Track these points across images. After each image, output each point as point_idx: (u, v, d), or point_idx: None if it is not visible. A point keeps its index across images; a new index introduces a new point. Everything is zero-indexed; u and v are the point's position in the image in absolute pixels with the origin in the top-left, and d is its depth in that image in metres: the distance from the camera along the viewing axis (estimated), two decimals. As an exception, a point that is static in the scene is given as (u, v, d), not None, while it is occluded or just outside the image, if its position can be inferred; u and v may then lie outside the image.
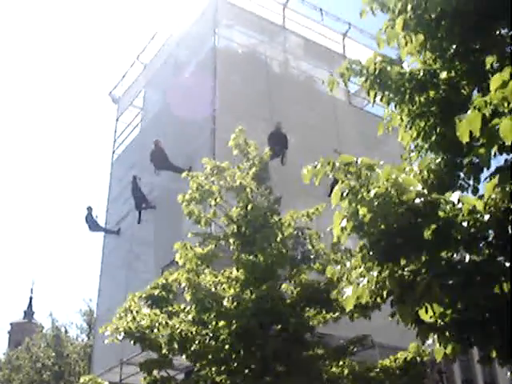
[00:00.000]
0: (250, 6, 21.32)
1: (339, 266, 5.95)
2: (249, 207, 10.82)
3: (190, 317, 10.37)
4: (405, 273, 5.10)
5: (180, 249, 10.82)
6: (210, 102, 17.98)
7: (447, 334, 5.00)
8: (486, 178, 5.28)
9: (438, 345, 5.17)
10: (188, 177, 11.41)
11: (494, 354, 5.14)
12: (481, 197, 5.23)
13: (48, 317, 40.40)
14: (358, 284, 5.34)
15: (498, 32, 6.03)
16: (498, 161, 5.29)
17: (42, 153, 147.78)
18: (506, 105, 4.38)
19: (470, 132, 4.48)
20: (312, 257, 10.85)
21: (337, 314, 10.50)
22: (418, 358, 9.89)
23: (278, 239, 10.67)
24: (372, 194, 5.01)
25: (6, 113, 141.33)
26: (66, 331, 39.78)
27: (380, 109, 6.64)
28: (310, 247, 10.91)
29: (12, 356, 43.21)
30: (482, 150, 4.65)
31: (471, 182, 5.91)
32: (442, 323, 4.95)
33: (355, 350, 10.85)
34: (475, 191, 5.79)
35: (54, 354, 37.43)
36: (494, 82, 4.36)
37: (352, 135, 19.99)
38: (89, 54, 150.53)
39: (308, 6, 23.11)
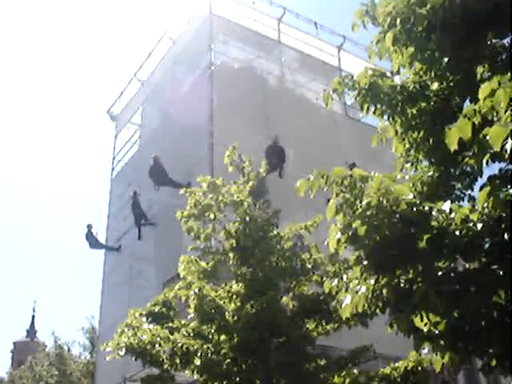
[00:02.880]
0: (245, 22, 21.49)
1: (336, 280, 5.99)
2: (247, 219, 10.88)
3: (191, 328, 10.40)
4: (401, 282, 5.15)
5: (184, 262, 10.86)
6: (207, 116, 18.09)
7: (442, 342, 5.03)
8: (480, 187, 5.33)
9: (435, 354, 5.20)
10: (186, 193, 11.48)
11: (494, 363, 5.16)
12: (474, 206, 5.29)
13: (50, 335, 40.28)
14: (356, 292, 5.39)
15: (487, 42, 6.11)
16: (492, 169, 5.36)
17: (42, 170, 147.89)
18: (494, 113, 4.45)
19: (462, 141, 4.55)
20: (310, 267, 10.86)
21: (336, 324, 10.51)
22: (419, 367, 9.89)
23: (277, 252, 10.71)
24: (364, 204, 5.06)
25: (6, 131, 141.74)
26: (69, 349, 39.60)
27: (377, 120, 6.70)
28: (308, 257, 10.92)
29: (15, 375, 43.04)
30: (472, 160, 4.72)
31: (467, 192, 5.97)
32: (436, 332, 4.98)
33: (357, 360, 10.84)
34: (471, 201, 5.84)
35: (57, 372, 37.26)
36: (483, 90, 4.42)
37: (350, 147, 20.04)
38: (86, 72, 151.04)
39: (303, 20, 23.32)
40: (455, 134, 4.50)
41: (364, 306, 5.26)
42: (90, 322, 37.83)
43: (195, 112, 18.96)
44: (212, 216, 11.22)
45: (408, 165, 6.48)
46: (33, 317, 79.76)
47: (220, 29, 20.78)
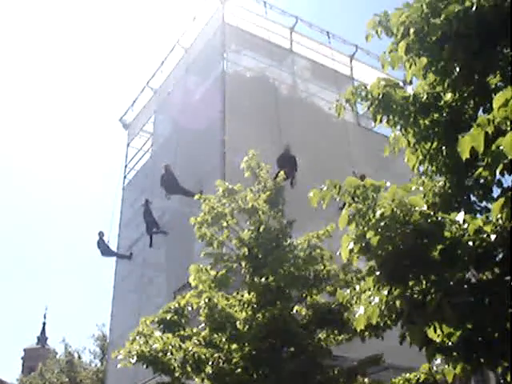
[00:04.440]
0: (257, 31, 21.56)
1: (349, 290, 5.99)
2: (261, 229, 10.88)
3: (202, 336, 10.39)
4: (414, 293, 5.14)
5: (194, 271, 10.86)
6: (219, 125, 18.15)
7: (455, 354, 5.01)
8: (496, 199, 5.30)
9: (447, 365, 5.18)
10: (200, 199, 11.50)
11: (508, 376, 5.11)
12: (488, 217, 5.27)
13: (61, 342, 40.34)
14: (370, 303, 5.38)
15: (501, 52, 6.09)
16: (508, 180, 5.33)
17: (54, 177, 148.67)
18: (508, 123, 4.44)
19: (475, 152, 4.53)
20: (324, 278, 10.82)
21: (349, 335, 10.46)
22: (431, 379, 9.82)
23: (290, 261, 10.70)
24: (378, 214, 5.06)
25: (16, 138, 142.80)
26: (79, 356, 39.66)
27: (389, 129, 6.72)
28: (321, 267, 10.89)
29: (25, 382, 43.16)
30: (486, 171, 4.70)
31: (481, 203, 5.94)
32: (449, 343, 4.96)
33: (368, 371, 10.78)
34: (486, 212, 5.81)
35: (67, 379, 37.31)
36: (497, 100, 4.42)
37: (361, 156, 20.04)
38: (99, 80, 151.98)
39: (315, 29, 23.38)
40: (467, 143, 4.49)
41: (378, 317, 5.25)
42: (101, 329, 37.94)
43: (207, 121, 19.03)
44: (225, 223, 11.23)
45: (423, 177, 6.45)
46: (44, 324, 80.00)
47: (232, 38, 20.86)
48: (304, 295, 10.93)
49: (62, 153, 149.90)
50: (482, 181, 5.63)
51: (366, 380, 10.56)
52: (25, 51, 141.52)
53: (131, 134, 27.23)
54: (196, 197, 11.86)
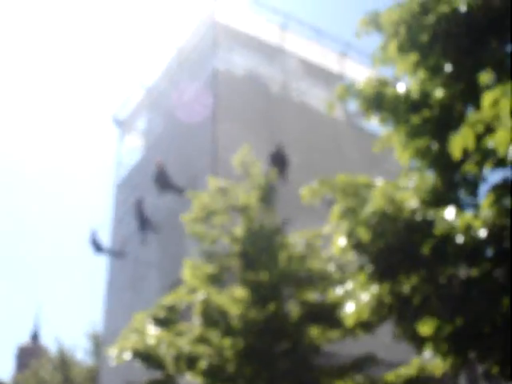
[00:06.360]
0: (248, 29, 21.59)
1: (341, 290, 6.03)
2: (255, 226, 10.89)
3: (196, 333, 10.41)
4: (403, 288, 5.19)
5: (190, 267, 10.86)
6: (211, 123, 18.18)
7: (444, 346, 5.07)
8: (486, 195, 5.36)
9: (436, 359, 5.24)
10: (192, 196, 11.50)
11: (495, 369, 5.18)
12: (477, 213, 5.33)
13: (54, 340, 40.27)
14: (360, 299, 5.42)
15: (491, 50, 6.15)
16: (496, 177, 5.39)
17: (47, 175, 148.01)
18: (498, 122, 4.49)
19: (465, 149, 4.59)
20: (317, 276, 10.83)
21: (342, 332, 10.48)
22: (422, 374, 9.87)
23: (283, 259, 10.71)
24: (368, 211, 5.10)
25: (9, 134, 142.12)
26: (73, 354, 39.58)
27: (380, 127, 6.75)
28: (315, 266, 10.90)
29: (19, 380, 43.05)
30: (473, 167, 4.76)
31: (471, 199, 6.00)
32: (438, 336, 5.02)
33: (361, 368, 10.81)
34: (476, 208, 5.87)
35: (60, 377, 37.25)
36: (486, 99, 4.47)
37: (352, 154, 20.11)
38: (92, 78, 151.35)
39: (306, 27, 23.39)
40: (459, 143, 4.54)
41: (368, 313, 5.30)
42: (94, 326, 37.86)
43: (199, 118, 19.06)
44: (218, 221, 11.22)
45: (413, 173, 6.50)
46: (37, 321, 79.80)
47: (224, 36, 20.87)
48: (296, 293, 10.94)
49: (55, 150, 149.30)
50: (469, 176, 5.69)
51: (359, 376, 10.60)
52: (19, 48, 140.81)
53: (124, 132, 27.20)
54: (188, 194, 11.87)
